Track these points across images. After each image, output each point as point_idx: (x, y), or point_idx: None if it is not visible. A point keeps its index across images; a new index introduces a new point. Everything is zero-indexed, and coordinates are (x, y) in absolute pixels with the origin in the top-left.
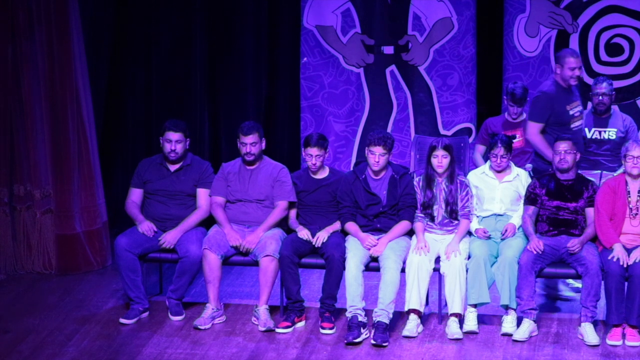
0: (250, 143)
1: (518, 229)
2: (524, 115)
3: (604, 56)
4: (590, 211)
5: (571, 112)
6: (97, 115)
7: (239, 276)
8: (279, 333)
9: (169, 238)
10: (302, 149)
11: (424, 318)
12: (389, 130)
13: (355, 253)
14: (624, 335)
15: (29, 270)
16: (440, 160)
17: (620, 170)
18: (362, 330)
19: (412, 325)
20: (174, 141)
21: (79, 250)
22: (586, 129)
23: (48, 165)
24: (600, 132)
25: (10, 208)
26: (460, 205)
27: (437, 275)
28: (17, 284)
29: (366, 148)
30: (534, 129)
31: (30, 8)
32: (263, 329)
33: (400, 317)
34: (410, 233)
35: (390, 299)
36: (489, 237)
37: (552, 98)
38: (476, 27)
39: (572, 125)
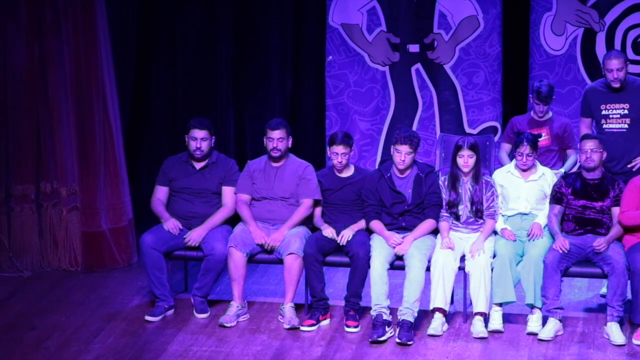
0: (278, 138)
1: (544, 228)
2: (550, 114)
3: (630, 54)
4: (616, 210)
5: (604, 112)
6: (123, 112)
7: (263, 274)
8: (304, 331)
9: (194, 236)
10: (327, 147)
11: (448, 317)
12: (414, 128)
13: (380, 251)
14: None
15: (55, 267)
16: (466, 160)
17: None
18: (386, 328)
19: (437, 324)
20: (199, 139)
21: (104, 248)
22: None
23: (74, 163)
24: None
25: (37, 205)
26: (485, 205)
27: (462, 274)
28: (43, 281)
29: (392, 146)
30: (581, 124)
31: (57, 6)
32: (288, 326)
33: (425, 315)
34: (435, 232)
35: (415, 298)
36: (515, 240)
37: (588, 94)
38: (502, 25)
39: (605, 126)
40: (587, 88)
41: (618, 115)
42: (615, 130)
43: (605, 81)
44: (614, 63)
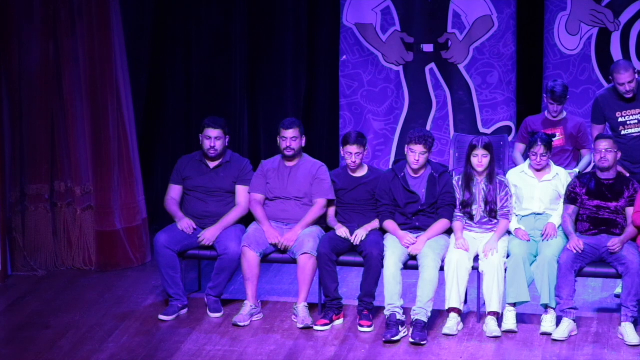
0: (291, 137)
1: (558, 228)
2: (564, 114)
3: None
4: (630, 210)
5: (621, 119)
6: (137, 112)
7: (277, 274)
8: (317, 331)
9: (208, 235)
10: (341, 147)
11: (462, 317)
12: (428, 128)
13: (393, 251)
14: None
15: (69, 266)
16: (480, 159)
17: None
18: (400, 328)
19: (453, 324)
20: (213, 138)
21: (118, 247)
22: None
23: (88, 162)
24: None
25: (51, 204)
26: (499, 205)
27: (475, 273)
28: (57, 280)
29: (406, 146)
30: (594, 130)
31: (71, 5)
32: (301, 326)
33: (438, 315)
34: (449, 231)
35: (429, 297)
36: (529, 240)
37: (600, 102)
38: (516, 25)
39: (623, 132)
40: (597, 96)
41: (636, 121)
42: (635, 134)
43: (614, 87)
44: (625, 77)
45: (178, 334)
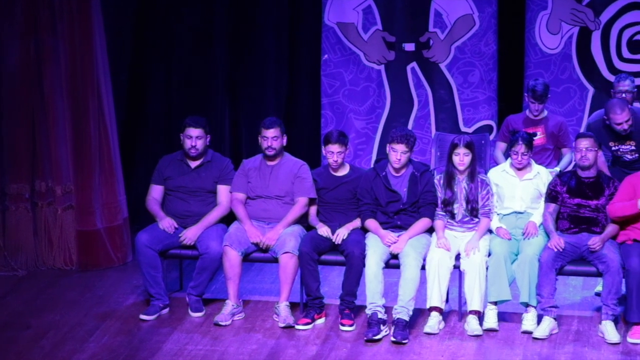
0: (272, 137)
1: (539, 226)
2: (545, 113)
3: (626, 53)
4: None
5: (614, 148)
6: (118, 111)
7: (259, 273)
8: (299, 330)
9: (190, 235)
10: (323, 146)
11: (443, 315)
12: (409, 127)
13: (375, 250)
14: None
15: (50, 266)
16: (462, 158)
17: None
18: (381, 327)
19: (434, 322)
20: (194, 137)
21: (99, 247)
22: None
23: (69, 162)
24: None
25: (32, 204)
26: (480, 204)
27: (457, 272)
28: (38, 280)
29: (388, 145)
30: None
31: (52, 3)
32: (283, 325)
33: (420, 314)
34: (430, 230)
35: (410, 296)
36: (510, 239)
37: (592, 129)
38: (497, 24)
39: (617, 155)
40: (589, 123)
41: (627, 151)
42: (628, 159)
43: (601, 119)
44: (622, 117)
45: (159, 333)
